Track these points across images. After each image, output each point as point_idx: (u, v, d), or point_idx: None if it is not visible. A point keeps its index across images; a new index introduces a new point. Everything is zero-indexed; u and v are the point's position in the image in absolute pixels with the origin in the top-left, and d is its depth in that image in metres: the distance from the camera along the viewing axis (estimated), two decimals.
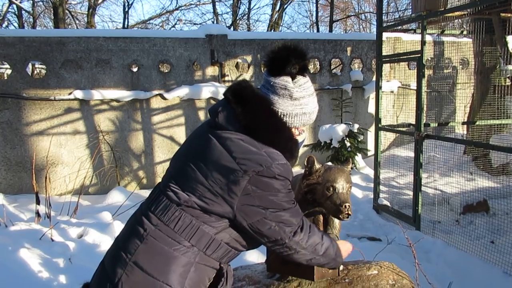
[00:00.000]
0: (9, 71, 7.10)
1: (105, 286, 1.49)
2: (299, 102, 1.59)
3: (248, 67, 7.70)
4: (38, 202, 4.61)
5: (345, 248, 1.87)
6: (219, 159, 1.49)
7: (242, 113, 1.53)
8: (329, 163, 2.09)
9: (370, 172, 6.92)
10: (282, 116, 1.58)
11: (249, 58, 7.58)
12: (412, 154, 5.03)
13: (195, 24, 18.28)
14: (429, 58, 7.72)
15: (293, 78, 1.58)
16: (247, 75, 7.61)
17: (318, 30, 18.27)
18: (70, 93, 6.76)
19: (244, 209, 1.48)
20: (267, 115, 1.56)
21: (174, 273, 1.46)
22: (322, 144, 6.99)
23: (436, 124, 5.64)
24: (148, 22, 17.86)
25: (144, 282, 1.44)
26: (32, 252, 3.33)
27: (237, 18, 18.34)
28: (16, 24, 16.43)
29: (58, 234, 3.94)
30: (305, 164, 2.01)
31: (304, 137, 1.76)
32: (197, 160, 1.53)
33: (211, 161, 1.50)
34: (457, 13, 4.68)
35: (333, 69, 8.56)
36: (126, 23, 17.46)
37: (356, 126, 7.09)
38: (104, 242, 3.83)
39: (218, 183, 1.47)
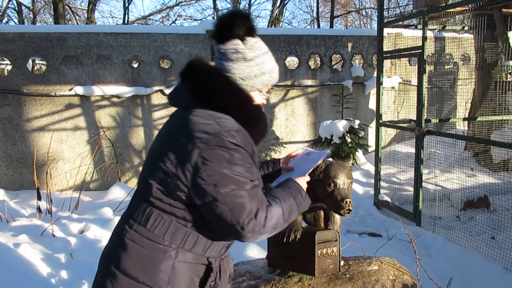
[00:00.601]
0: (9, 67, 7.10)
1: None
2: (254, 62, 1.53)
3: None
4: (39, 198, 4.62)
5: (301, 184, 1.65)
6: (170, 139, 1.45)
7: (192, 86, 1.50)
8: (330, 159, 2.08)
9: (371, 168, 6.92)
10: (240, 80, 1.51)
11: None
12: (412, 150, 5.03)
13: (195, 20, 18.25)
14: (430, 54, 7.70)
15: (242, 40, 1.52)
16: None
17: (319, 26, 18.23)
18: (70, 89, 6.76)
19: (196, 188, 1.36)
20: (218, 82, 1.48)
21: (156, 274, 1.39)
22: (322, 140, 6.99)
23: (437, 120, 5.63)
24: (148, 18, 17.82)
25: (128, 287, 1.40)
26: (34, 247, 3.34)
27: None
28: (16, 20, 16.41)
29: (60, 229, 3.95)
30: None
31: (263, 99, 1.65)
32: (154, 149, 1.51)
33: (164, 143, 1.46)
34: (458, 9, 4.67)
35: (334, 65, 8.54)
36: (126, 18, 17.43)
37: (357, 122, 7.08)
38: (105, 238, 3.84)
39: (173, 163, 1.39)
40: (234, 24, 1.50)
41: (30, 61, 9.02)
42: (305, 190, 1.64)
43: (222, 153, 1.35)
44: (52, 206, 4.55)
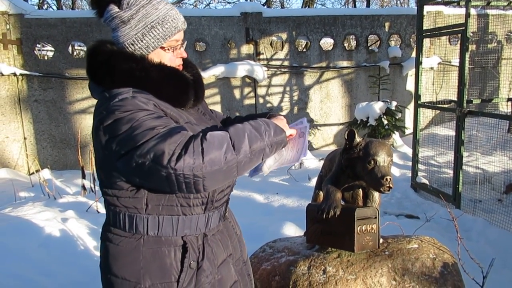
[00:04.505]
0: (50, 53, 7.36)
1: None
2: (135, 21, 1.34)
3: (283, 45, 7.64)
4: (83, 177, 4.83)
5: (280, 122, 1.42)
6: (92, 135, 1.37)
7: (89, 73, 1.39)
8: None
9: (408, 151, 6.79)
10: (131, 47, 1.36)
11: (284, 36, 7.51)
12: (452, 133, 4.89)
13: (228, 2, 18.16)
14: (471, 34, 7.39)
15: (116, 2, 1.35)
16: (282, 53, 7.55)
17: (354, 6, 17.77)
18: None
19: (118, 167, 1.26)
20: (103, 59, 1.34)
21: (129, 266, 1.34)
22: (358, 122, 6.90)
23: (479, 101, 5.44)
24: (182, 1, 17.89)
25: (113, 284, 1.38)
26: (80, 222, 3.51)
27: None
28: (54, 7, 16.87)
29: (103, 206, 4.12)
30: (345, 138, 2.01)
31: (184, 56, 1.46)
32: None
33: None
34: None
35: (370, 45, 8.35)
36: None
37: (394, 103, 6.93)
38: None
39: (97, 156, 1.36)
40: None
41: (69, 46, 9.31)
42: (278, 123, 1.38)
43: (121, 122, 1.22)
44: (95, 185, 4.74)
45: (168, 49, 1.40)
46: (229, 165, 1.21)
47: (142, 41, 1.35)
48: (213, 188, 1.25)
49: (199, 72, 1.56)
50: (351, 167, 1.97)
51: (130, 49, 1.36)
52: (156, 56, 1.38)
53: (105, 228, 1.44)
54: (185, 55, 1.47)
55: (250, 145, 1.25)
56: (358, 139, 1.97)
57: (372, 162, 1.88)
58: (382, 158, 1.89)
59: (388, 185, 1.83)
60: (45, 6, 16.39)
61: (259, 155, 1.29)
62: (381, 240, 2.07)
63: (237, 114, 6.80)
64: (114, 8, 1.34)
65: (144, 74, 1.32)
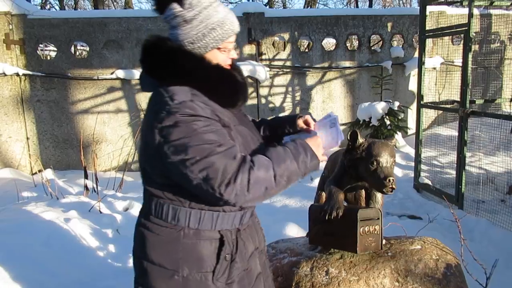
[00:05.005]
0: (53, 53, 7.37)
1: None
2: (197, 21, 1.39)
3: (285, 45, 7.63)
4: (86, 177, 4.84)
5: (316, 144, 1.51)
6: (143, 128, 1.42)
7: (147, 67, 1.45)
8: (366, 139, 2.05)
9: (410, 151, 6.77)
10: (190, 45, 1.40)
11: (286, 36, 7.50)
12: (454, 133, 4.88)
13: (230, 3, 18.16)
14: (474, 34, 7.37)
15: (179, 1, 1.40)
16: (284, 53, 7.55)
17: (357, 6, 17.75)
18: (112, 73, 6.96)
19: (168, 168, 1.34)
20: (164, 55, 1.40)
21: (168, 255, 1.41)
22: (360, 122, 6.88)
23: (482, 101, 5.42)
24: None
25: (152, 272, 1.44)
26: (83, 222, 3.52)
27: None
28: (57, 7, 16.91)
29: (106, 207, 4.13)
30: (348, 138, 2.00)
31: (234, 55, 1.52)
32: (140, 141, 1.51)
33: (141, 134, 1.45)
34: None
35: (372, 45, 8.33)
36: None
37: (397, 103, 6.91)
38: None
39: (146, 149, 1.40)
40: None
41: (72, 46, 9.33)
42: (314, 149, 1.47)
43: (179, 128, 1.29)
44: (98, 185, 4.75)
45: (224, 50, 1.47)
46: (268, 194, 1.36)
47: (201, 41, 1.41)
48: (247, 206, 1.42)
49: (243, 73, 1.61)
50: (354, 168, 1.97)
51: (188, 47, 1.41)
52: (212, 56, 1.45)
53: (144, 217, 1.49)
54: (235, 56, 1.54)
55: (288, 178, 1.38)
56: (360, 140, 1.97)
57: (375, 163, 1.88)
58: (385, 159, 1.89)
59: (391, 186, 1.83)
60: (48, 7, 16.44)
61: (293, 182, 1.43)
62: (383, 241, 2.06)
63: None
64: (177, 7, 1.40)
65: (204, 74, 1.39)
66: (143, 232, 1.46)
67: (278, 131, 1.75)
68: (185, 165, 1.28)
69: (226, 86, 1.44)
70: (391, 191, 1.85)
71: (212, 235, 1.44)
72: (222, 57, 1.47)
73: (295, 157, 1.40)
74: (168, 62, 1.38)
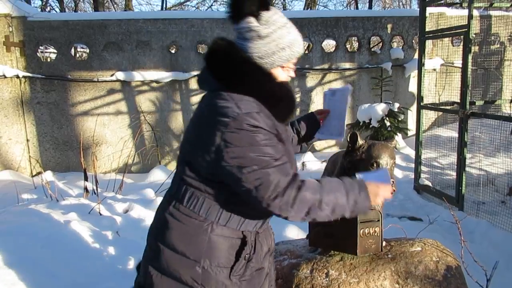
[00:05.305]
0: (53, 55, 7.38)
1: (147, 268, 1.57)
2: (270, 39, 1.46)
3: None
4: (86, 179, 4.83)
5: (375, 190, 1.53)
6: (197, 121, 1.52)
7: (214, 70, 1.50)
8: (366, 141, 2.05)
9: (411, 152, 6.77)
10: (258, 59, 1.47)
11: None
12: (454, 134, 4.88)
13: None
14: (474, 35, 7.38)
15: (256, 16, 1.46)
16: None
17: (357, 7, 17.77)
18: (112, 75, 6.96)
19: (221, 169, 1.41)
20: (236, 64, 1.46)
21: (193, 246, 1.48)
22: (360, 123, 6.88)
23: (482, 102, 5.42)
24: (184, 3, 17.92)
25: (170, 258, 1.50)
26: (83, 224, 3.51)
27: None
28: (57, 10, 16.93)
29: (106, 208, 4.12)
30: (348, 140, 2.00)
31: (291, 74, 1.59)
32: (187, 131, 1.57)
33: (193, 125, 1.53)
34: None
35: (372, 47, 8.34)
36: (163, 5, 17.61)
37: (397, 105, 6.92)
38: (149, 217, 3.99)
39: (200, 146, 1.45)
40: (245, 1, 1.45)
41: (72, 48, 9.35)
42: (370, 191, 1.50)
43: (243, 136, 1.37)
44: (97, 187, 4.75)
45: (287, 69, 1.56)
46: (310, 216, 1.42)
47: (270, 58, 1.48)
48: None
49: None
50: (354, 170, 1.96)
51: (256, 60, 1.48)
52: (276, 73, 1.53)
53: (173, 205, 1.53)
54: (293, 75, 1.61)
55: (333, 208, 1.43)
56: (360, 141, 1.97)
57: (375, 165, 1.89)
58: (385, 161, 1.89)
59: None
60: (48, 9, 16.45)
61: (338, 215, 1.47)
62: (384, 243, 2.06)
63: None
64: (254, 22, 1.46)
65: (270, 88, 1.48)
66: (169, 220, 1.52)
67: (301, 134, 1.93)
68: (241, 172, 1.37)
69: (286, 102, 1.54)
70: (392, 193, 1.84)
71: (236, 235, 1.52)
72: (283, 75, 1.56)
73: (347, 191, 1.46)
74: (238, 71, 1.46)
